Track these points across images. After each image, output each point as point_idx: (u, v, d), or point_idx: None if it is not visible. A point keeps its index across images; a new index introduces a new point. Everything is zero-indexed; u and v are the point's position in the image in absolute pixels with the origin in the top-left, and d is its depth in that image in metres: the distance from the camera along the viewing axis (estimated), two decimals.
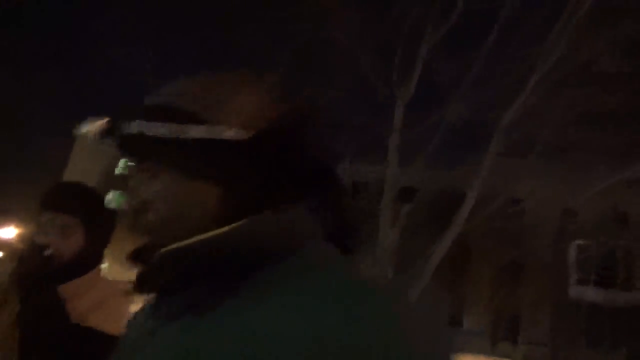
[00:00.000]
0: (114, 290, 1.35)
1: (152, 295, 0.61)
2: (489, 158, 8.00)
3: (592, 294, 22.39)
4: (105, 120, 0.59)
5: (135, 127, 0.55)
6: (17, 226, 33.41)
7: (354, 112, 8.57)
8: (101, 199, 1.31)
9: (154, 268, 0.57)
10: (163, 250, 0.55)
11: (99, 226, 1.35)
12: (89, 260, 1.36)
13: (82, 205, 1.34)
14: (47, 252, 1.28)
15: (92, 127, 0.61)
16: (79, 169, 23.39)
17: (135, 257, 0.62)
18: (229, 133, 0.53)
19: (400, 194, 8.53)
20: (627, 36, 7.13)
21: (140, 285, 0.60)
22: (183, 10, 8.91)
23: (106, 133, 0.59)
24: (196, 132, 0.53)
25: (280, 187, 0.55)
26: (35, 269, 1.29)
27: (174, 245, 0.54)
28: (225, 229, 0.53)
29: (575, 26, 7.37)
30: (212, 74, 0.59)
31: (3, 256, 1.51)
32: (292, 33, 8.49)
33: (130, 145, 0.58)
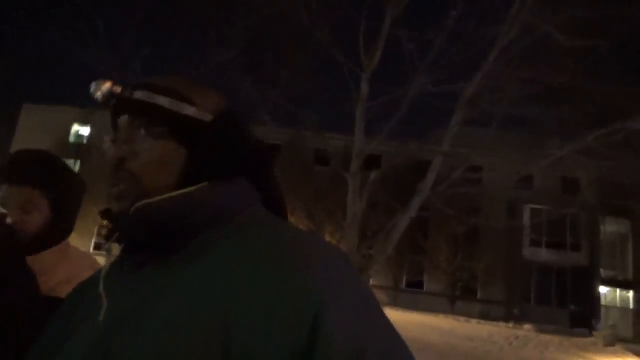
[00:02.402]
0: (84, 262, 1.31)
1: (117, 251, 0.70)
2: (451, 128, 8.28)
3: (543, 254, 23.75)
4: (111, 82, 0.71)
5: (144, 95, 0.69)
6: None
7: (321, 84, 8.65)
8: (66, 168, 1.29)
9: (128, 220, 0.66)
10: (137, 204, 0.65)
11: (64, 198, 1.25)
12: (55, 233, 1.25)
13: (45, 175, 1.22)
14: (9, 226, 1.15)
15: (101, 87, 0.71)
16: (29, 138, 22.58)
17: (107, 213, 0.70)
18: (206, 116, 0.69)
19: (367, 162, 8.73)
20: (580, 13, 7.45)
21: (110, 236, 0.69)
22: None
23: (113, 95, 0.70)
24: (186, 109, 0.69)
25: (232, 161, 0.70)
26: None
27: (146, 201, 0.64)
28: (189, 189, 0.65)
29: (532, 1, 7.63)
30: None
31: None
32: (249, 8, 8.43)
33: (135, 107, 0.69)
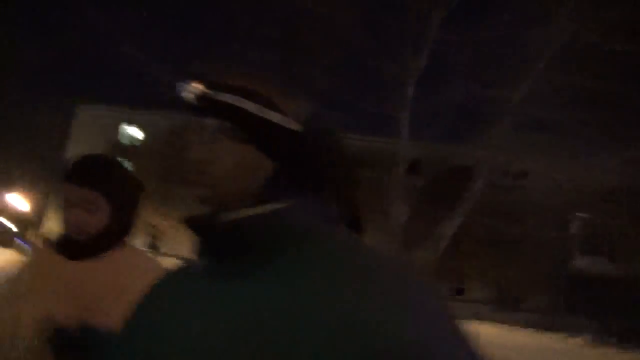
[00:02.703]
0: (147, 262, 1.35)
1: (202, 259, 0.68)
2: (497, 133, 8.10)
3: (592, 264, 22.79)
4: (201, 83, 0.68)
5: (232, 98, 0.66)
6: (21, 193, 33.35)
7: (365, 88, 8.65)
8: (123, 169, 1.36)
9: (215, 234, 0.64)
10: (225, 219, 0.63)
11: (123, 198, 1.32)
12: (116, 233, 1.31)
13: (105, 177, 1.29)
14: (75, 228, 1.26)
15: (190, 88, 0.68)
16: (84, 140, 23.64)
17: (191, 222, 0.67)
18: (294, 125, 0.66)
19: (410, 167, 8.65)
20: (629, 19, 7.14)
21: (197, 249, 0.67)
22: None
23: (202, 96, 0.67)
24: (274, 116, 0.65)
25: (318, 175, 0.67)
26: (64, 245, 1.28)
27: (235, 216, 0.63)
28: (278, 206, 0.63)
29: (580, 8, 7.39)
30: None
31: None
32: (287, 10, 8.51)
33: (221, 110, 0.67)
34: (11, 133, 19.02)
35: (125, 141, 26.15)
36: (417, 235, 8.32)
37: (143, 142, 25.38)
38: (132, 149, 24.67)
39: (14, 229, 35.93)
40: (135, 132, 26.44)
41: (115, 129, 26.18)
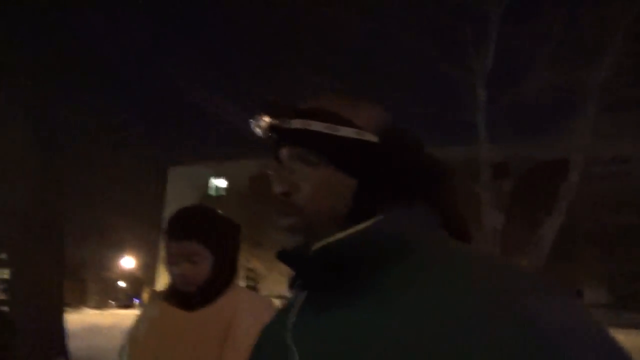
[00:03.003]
0: (258, 303, 1.36)
1: (299, 292, 0.67)
2: (586, 120, 7.56)
3: None
4: (268, 116, 0.67)
5: (298, 122, 0.65)
6: (134, 256, 36.24)
7: (436, 98, 8.50)
8: (220, 217, 1.39)
9: (308, 263, 0.62)
10: (315, 247, 0.60)
11: (225, 245, 1.35)
12: (222, 279, 1.35)
13: (204, 228, 1.32)
14: (182, 280, 1.31)
15: (260, 122, 0.68)
16: (177, 198, 25.41)
17: (284, 255, 0.66)
18: (370, 136, 0.63)
19: (496, 171, 8.29)
20: None
21: (294, 281, 0.66)
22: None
23: (271, 128, 0.67)
24: (346, 132, 0.63)
25: (406, 184, 0.63)
26: (174, 297, 1.34)
27: (325, 241, 0.60)
28: (367, 223, 0.60)
29: None
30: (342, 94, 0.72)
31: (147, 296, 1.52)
32: (345, 24, 8.62)
33: (292, 137, 0.66)
34: (116, 200, 20.91)
35: (212, 192, 27.62)
36: (516, 241, 7.86)
37: (229, 191, 26.63)
38: (219, 199, 25.99)
39: (130, 290, 38.73)
40: (220, 183, 27.88)
41: (204, 182, 27.82)
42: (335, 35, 8.88)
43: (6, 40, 6.72)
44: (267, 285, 21.26)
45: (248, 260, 18.91)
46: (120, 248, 33.60)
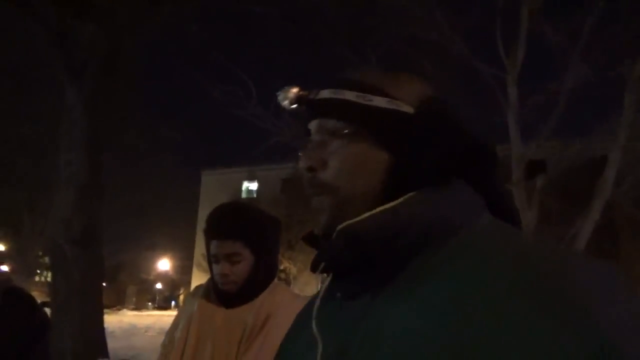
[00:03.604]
0: (299, 299, 1.34)
1: (328, 276, 0.62)
2: (625, 115, 7.30)
3: None
4: (297, 87, 0.64)
5: (328, 92, 0.60)
6: (169, 259, 37.05)
7: (467, 98, 8.40)
8: (258, 213, 1.36)
9: (332, 246, 0.57)
10: (340, 227, 0.56)
11: (264, 242, 1.34)
12: (263, 276, 1.34)
13: (243, 227, 1.31)
14: (223, 279, 1.31)
15: (288, 93, 0.64)
16: (210, 199, 25.89)
17: (309, 238, 0.63)
18: (406, 107, 0.58)
19: (528, 169, 8.11)
20: None
21: (316, 266, 0.59)
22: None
23: (300, 98, 0.63)
24: (379, 101, 0.57)
25: (445, 161, 0.57)
26: (216, 295, 1.34)
27: (348, 222, 0.55)
28: (395, 202, 0.54)
29: None
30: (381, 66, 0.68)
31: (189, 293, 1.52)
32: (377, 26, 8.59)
33: (321, 107, 0.61)
34: (153, 205, 21.52)
35: (245, 196, 27.98)
36: (551, 239, 7.63)
37: (260, 194, 26.94)
38: (251, 201, 26.34)
39: (167, 291, 39.43)
40: (252, 186, 28.23)
41: (237, 186, 28.22)
42: (363, 36, 8.89)
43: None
44: (298, 287, 21.39)
45: (280, 262, 19.09)
46: (156, 251, 34.45)
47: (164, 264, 37.09)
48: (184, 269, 32.55)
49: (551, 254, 0.49)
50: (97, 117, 7.31)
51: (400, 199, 0.55)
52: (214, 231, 1.32)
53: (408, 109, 0.58)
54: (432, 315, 0.48)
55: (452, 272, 0.50)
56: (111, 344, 8.61)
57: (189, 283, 29.80)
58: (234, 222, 1.31)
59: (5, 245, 22.13)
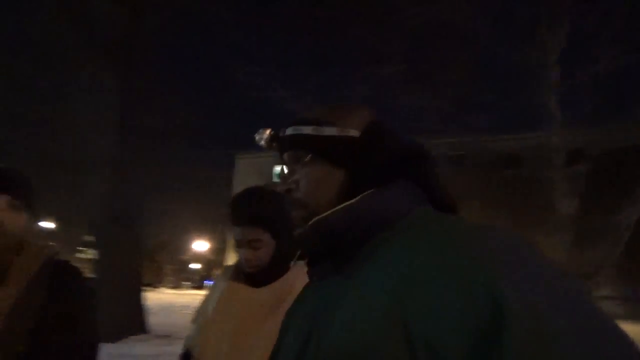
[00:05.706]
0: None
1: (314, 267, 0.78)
2: None
3: None
4: (269, 129, 0.81)
5: (291, 130, 0.76)
6: (206, 240, 37.94)
7: (507, 84, 8.14)
8: (277, 198, 1.39)
9: (304, 238, 0.73)
10: (310, 222, 0.71)
11: (283, 226, 1.37)
12: (283, 259, 1.39)
13: (263, 212, 1.35)
14: (247, 263, 1.37)
15: (262, 135, 0.81)
16: (243, 182, 26.33)
17: (295, 237, 0.77)
18: (353, 132, 0.73)
19: (570, 156, 7.83)
20: None
21: (300, 256, 0.80)
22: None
23: (272, 138, 0.80)
24: (330, 131, 0.73)
25: (388, 167, 0.71)
26: (242, 276, 1.41)
27: (316, 218, 0.71)
28: (352, 201, 0.69)
29: None
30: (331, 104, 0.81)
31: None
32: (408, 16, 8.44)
33: (287, 143, 0.77)
34: (190, 188, 22.01)
35: (276, 180, 28.33)
36: (592, 228, 7.42)
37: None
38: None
39: (203, 271, 40.47)
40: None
41: (269, 170, 28.58)
42: (402, 21, 8.75)
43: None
44: None
45: None
46: (193, 232, 35.34)
47: (201, 245, 38.05)
48: (220, 250, 33.36)
49: (473, 230, 0.60)
50: (132, 100, 7.50)
51: (354, 199, 0.70)
52: (234, 218, 1.37)
53: (355, 133, 0.73)
54: (372, 289, 0.61)
55: (391, 252, 0.64)
56: (150, 320, 8.93)
57: (224, 264, 30.51)
58: (253, 209, 1.36)
59: (53, 222, 23.17)
